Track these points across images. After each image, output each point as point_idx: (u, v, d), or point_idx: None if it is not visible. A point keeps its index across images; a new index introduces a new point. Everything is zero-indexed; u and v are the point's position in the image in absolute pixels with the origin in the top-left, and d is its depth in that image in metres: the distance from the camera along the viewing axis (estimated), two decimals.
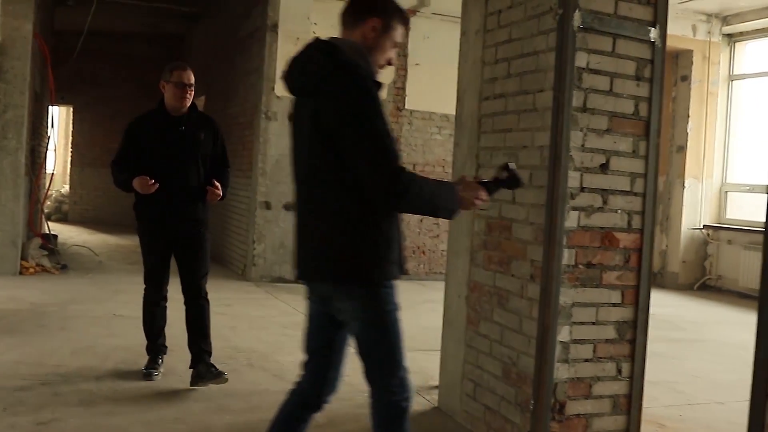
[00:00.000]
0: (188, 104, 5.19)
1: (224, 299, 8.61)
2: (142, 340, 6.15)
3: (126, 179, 5.09)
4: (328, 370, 3.16)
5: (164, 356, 5.49)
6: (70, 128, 18.93)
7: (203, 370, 5.08)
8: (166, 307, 5.50)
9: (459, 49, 5.10)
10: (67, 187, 19.02)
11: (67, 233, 15.31)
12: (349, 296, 2.98)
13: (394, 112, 11.28)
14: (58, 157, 22.69)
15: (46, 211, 18.27)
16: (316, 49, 2.98)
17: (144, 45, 18.07)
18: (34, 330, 6.48)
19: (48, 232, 11.24)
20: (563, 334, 3.92)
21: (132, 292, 8.78)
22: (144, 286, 5.46)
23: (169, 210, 5.12)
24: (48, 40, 13.08)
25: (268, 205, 10.16)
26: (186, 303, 5.33)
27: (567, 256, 3.90)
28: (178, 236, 5.21)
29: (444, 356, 5.01)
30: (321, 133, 2.84)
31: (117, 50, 17.94)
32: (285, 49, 10.16)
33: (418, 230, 11.45)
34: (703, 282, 11.83)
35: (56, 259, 10.42)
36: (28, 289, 8.50)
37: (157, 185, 4.95)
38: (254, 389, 5.22)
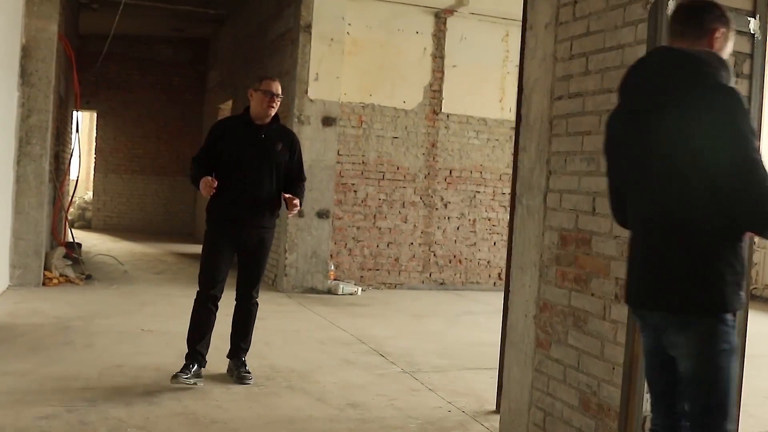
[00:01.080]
0: (272, 113, 5.35)
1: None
2: (173, 359, 5.78)
3: (197, 177, 5.19)
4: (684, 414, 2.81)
5: (199, 366, 5.30)
6: (94, 133, 18.61)
7: (233, 365, 5.47)
8: (214, 314, 5.44)
9: (524, 44, 4.66)
10: (90, 194, 18.71)
11: (90, 241, 14.96)
12: (686, 328, 2.64)
13: (430, 116, 10.85)
14: (81, 163, 22.51)
15: (69, 218, 18.02)
16: (672, 59, 2.72)
17: (169, 49, 17.77)
18: (59, 347, 6.08)
19: (72, 241, 10.87)
20: None
21: (159, 304, 8.41)
22: (197, 289, 5.43)
23: (239, 214, 5.25)
24: (73, 44, 12.76)
25: (300, 213, 9.72)
26: (236, 304, 5.53)
27: None
28: (243, 241, 5.32)
29: (507, 380, 4.55)
30: (681, 149, 2.62)
31: (142, 54, 17.66)
32: (319, 51, 9.76)
33: (455, 238, 11.00)
34: (749, 291, 11.30)
35: (80, 269, 10.05)
36: (51, 301, 8.13)
37: (214, 189, 5.08)
38: (297, 416, 4.79)
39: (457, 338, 7.53)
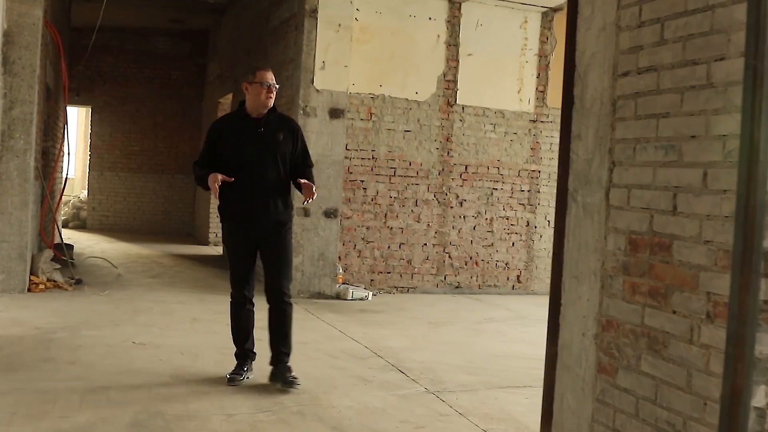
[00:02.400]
0: (270, 105, 5.21)
1: (259, 319, 7.49)
2: (166, 378, 5.13)
3: (203, 176, 5.12)
4: None
5: (251, 362, 5.38)
6: (89, 130, 17.91)
7: (277, 372, 5.22)
8: (252, 311, 5.41)
9: (575, 14, 3.94)
10: (85, 193, 18.02)
11: (84, 242, 14.29)
12: None
13: (444, 108, 10.15)
14: (77, 161, 21.83)
15: (63, 217, 17.33)
16: None
17: (167, 41, 17.09)
18: (37, 365, 5.38)
19: (62, 242, 10.18)
20: (759, 396, 2.78)
21: (154, 312, 7.72)
22: (231, 292, 5.42)
23: (250, 211, 5.16)
24: (64, 35, 12.07)
25: (306, 212, 9.06)
26: (269, 306, 5.34)
27: (765, 289, 2.75)
28: (261, 238, 5.22)
29: (559, 409, 3.85)
30: None
31: (139, 47, 16.99)
32: (325, 37, 9.08)
33: (471, 239, 10.30)
34: None
35: (70, 273, 9.36)
36: (35, 309, 7.44)
37: (219, 183, 4.97)
38: None
39: (482, 350, 6.84)
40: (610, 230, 3.49)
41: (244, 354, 5.36)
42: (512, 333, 7.77)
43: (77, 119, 21.93)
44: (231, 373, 5.23)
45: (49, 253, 9.12)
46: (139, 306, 7.97)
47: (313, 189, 5.14)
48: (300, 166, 5.31)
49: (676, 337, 3.08)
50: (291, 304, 5.35)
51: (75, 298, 8.26)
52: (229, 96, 13.77)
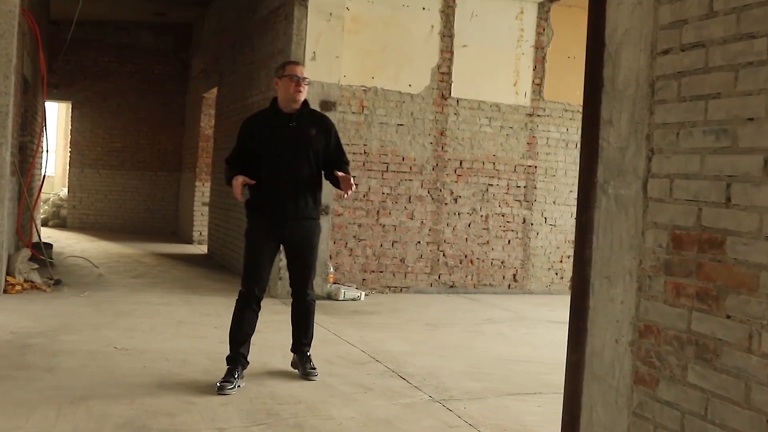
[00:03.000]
0: (302, 98, 5.15)
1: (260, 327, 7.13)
2: (151, 388, 4.74)
3: (231, 178, 5.10)
4: None
5: (242, 368, 5.09)
6: (69, 126, 17.43)
7: (298, 360, 5.37)
8: (257, 315, 5.28)
9: None
10: (65, 190, 17.53)
11: (64, 241, 13.83)
12: None
13: (438, 101, 9.79)
14: (57, 158, 21.30)
15: (42, 216, 16.84)
16: None
17: (150, 35, 16.66)
18: (11, 374, 4.97)
19: (40, 241, 9.74)
20: None
21: (137, 314, 7.31)
22: (240, 288, 5.24)
23: (281, 208, 5.09)
24: (43, 26, 11.64)
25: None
26: (293, 302, 5.43)
27: None
28: (288, 236, 5.16)
29: (588, 424, 3.49)
30: None
31: (120, 41, 16.55)
32: (316, 26, 8.71)
33: (466, 236, 9.95)
34: None
35: (48, 273, 8.93)
36: (11, 312, 7.02)
37: (247, 195, 5.10)
38: None
39: (484, 354, 6.48)
40: (648, 225, 3.14)
41: (236, 359, 5.09)
42: (514, 335, 7.42)
43: (57, 115, 21.41)
44: (221, 381, 4.91)
45: (26, 253, 8.69)
46: (122, 308, 7.57)
47: (352, 181, 5.06)
48: (335, 162, 5.25)
49: (731, 344, 2.73)
50: (314, 301, 5.43)
51: (53, 300, 7.85)
52: (214, 91, 13.36)
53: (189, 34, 16.40)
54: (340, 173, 5.10)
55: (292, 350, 5.46)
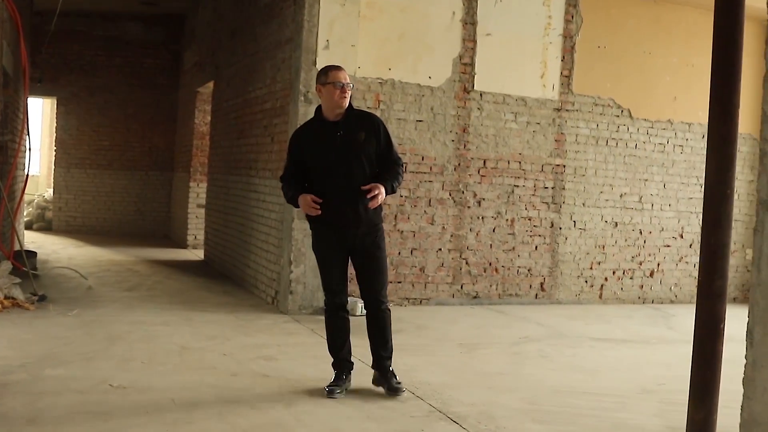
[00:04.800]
0: (346, 105, 5.04)
1: (260, 345, 6.31)
2: None
3: (293, 197, 5.10)
4: None
5: (349, 371, 5.22)
6: (54, 123, 16.48)
7: (380, 376, 5.20)
8: (347, 318, 5.29)
9: None
10: (50, 192, 16.58)
11: (49, 247, 12.92)
12: None
13: (460, 94, 8.93)
14: (42, 157, 20.32)
15: (26, 218, 15.89)
16: None
17: (139, 26, 15.72)
18: None
19: (22, 250, 8.84)
20: None
21: (133, 338, 6.41)
22: (324, 300, 5.29)
23: (340, 217, 5.00)
24: (25, 17, 10.73)
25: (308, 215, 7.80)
26: (367, 313, 5.29)
27: None
28: (353, 245, 5.09)
29: None
30: None
31: (108, 33, 15.62)
32: (329, 12, 7.87)
33: (490, 242, 9.10)
34: None
35: (32, 287, 8.03)
36: None
37: (320, 210, 4.96)
38: None
39: (535, 383, 5.63)
40: None
41: (341, 364, 5.21)
42: (559, 357, 6.58)
43: (42, 111, 20.41)
44: (330, 385, 5.09)
45: (7, 265, 7.80)
46: (115, 330, 6.68)
47: (377, 192, 4.90)
48: (386, 161, 5.10)
49: None
50: (389, 310, 5.27)
51: (37, 320, 6.95)
52: (210, 85, 12.46)
53: (181, 24, 15.47)
54: (364, 187, 4.95)
55: (373, 366, 5.26)
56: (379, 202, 4.97)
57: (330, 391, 5.02)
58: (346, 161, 4.98)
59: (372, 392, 5.16)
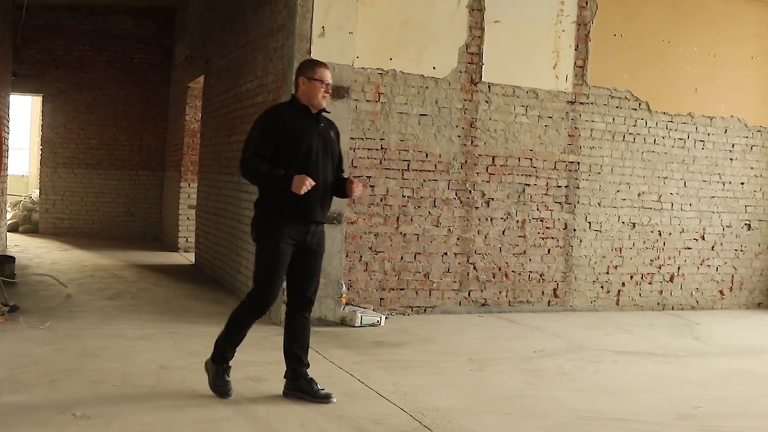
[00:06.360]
0: (324, 105, 4.95)
1: (249, 363, 5.61)
2: None
3: (285, 177, 4.66)
4: None
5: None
6: (39, 121, 15.82)
7: (304, 385, 4.89)
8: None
9: None
10: (37, 192, 15.92)
11: (33, 250, 12.29)
12: None
13: (466, 86, 8.30)
14: (32, 157, 19.66)
15: (12, 220, 15.26)
16: None
17: (128, 20, 15.06)
18: None
19: None
20: None
21: (108, 355, 5.76)
22: (249, 301, 4.87)
23: (309, 212, 4.81)
24: (4, 8, 10.10)
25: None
26: (295, 318, 4.99)
27: None
28: (307, 241, 4.86)
29: None
30: None
31: (96, 27, 14.95)
32: None
33: (499, 246, 8.47)
34: None
35: (3, 297, 7.39)
36: None
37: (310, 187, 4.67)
38: None
39: (557, 409, 4.98)
40: None
41: (229, 360, 4.94)
42: (581, 375, 5.94)
43: (31, 109, 19.76)
44: (224, 384, 4.84)
45: None
46: (90, 346, 6.04)
47: (360, 186, 4.98)
48: (338, 170, 5.06)
49: None
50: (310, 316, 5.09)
51: (3, 334, 6.29)
52: (200, 79, 11.82)
53: (172, 18, 14.82)
54: (350, 178, 5.04)
55: (293, 377, 4.93)
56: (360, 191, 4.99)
57: (225, 392, 4.81)
58: (324, 154, 4.85)
59: (375, 424, 4.51)
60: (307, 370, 4.94)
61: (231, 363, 4.94)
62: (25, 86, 14.51)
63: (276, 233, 4.75)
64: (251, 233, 4.97)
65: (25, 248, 12.45)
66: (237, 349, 4.94)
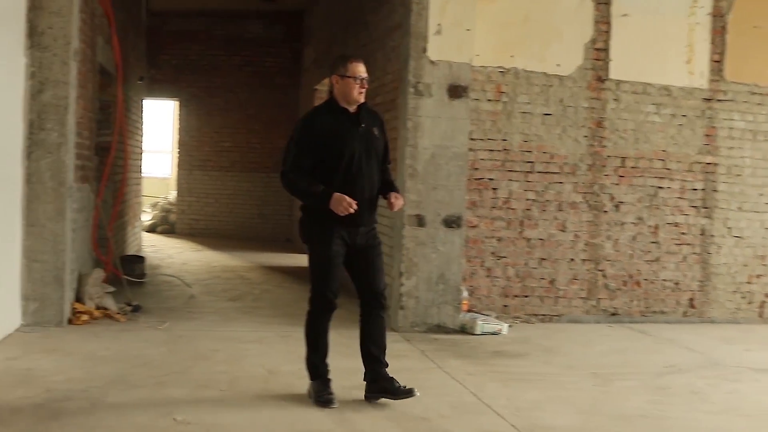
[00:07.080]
0: (362, 100, 4.77)
1: (360, 370, 5.40)
2: None
3: (323, 194, 4.56)
4: None
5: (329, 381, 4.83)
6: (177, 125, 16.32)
7: (379, 387, 4.79)
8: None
9: None
10: (174, 194, 16.42)
11: (167, 250, 12.65)
12: None
13: (593, 84, 7.89)
14: (173, 160, 20.34)
15: (150, 221, 15.79)
16: None
17: (259, 25, 15.33)
18: None
19: (120, 256, 8.39)
20: None
21: (219, 357, 5.74)
22: (311, 307, 4.87)
23: (357, 216, 4.63)
24: (133, 14, 10.38)
25: (420, 221, 7.00)
26: (368, 315, 4.87)
27: None
28: (358, 243, 4.76)
29: None
30: None
31: (227, 32, 15.32)
32: None
33: (630, 252, 8.01)
34: None
35: (127, 296, 7.55)
36: (62, 354, 5.60)
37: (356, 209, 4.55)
38: None
39: None
40: None
41: (325, 368, 4.88)
42: (715, 395, 5.46)
43: (173, 114, 20.46)
44: (325, 393, 4.71)
45: (98, 273, 7.32)
46: (202, 348, 6.04)
47: (401, 202, 4.86)
48: (384, 161, 4.91)
49: None
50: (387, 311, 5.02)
51: (122, 334, 6.41)
52: (326, 82, 11.80)
53: (300, 21, 14.97)
54: (392, 193, 4.83)
55: (368, 379, 4.82)
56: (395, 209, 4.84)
57: (328, 401, 4.67)
58: (367, 155, 4.72)
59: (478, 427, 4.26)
60: (386, 369, 4.84)
61: (330, 376, 4.84)
62: (162, 91, 14.99)
63: (325, 235, 4.67)
64: (300, 235, 4.92)
65: (159, 248, 12.83)
66: (328, 360, 4.86)
